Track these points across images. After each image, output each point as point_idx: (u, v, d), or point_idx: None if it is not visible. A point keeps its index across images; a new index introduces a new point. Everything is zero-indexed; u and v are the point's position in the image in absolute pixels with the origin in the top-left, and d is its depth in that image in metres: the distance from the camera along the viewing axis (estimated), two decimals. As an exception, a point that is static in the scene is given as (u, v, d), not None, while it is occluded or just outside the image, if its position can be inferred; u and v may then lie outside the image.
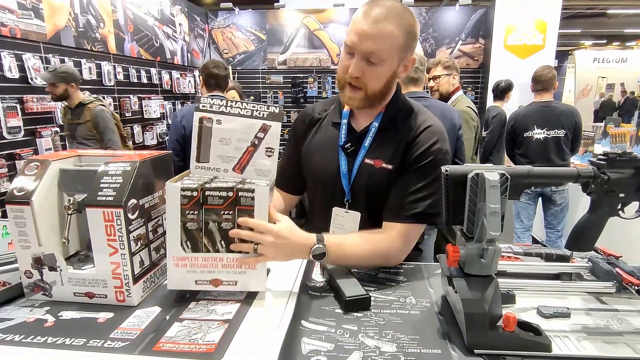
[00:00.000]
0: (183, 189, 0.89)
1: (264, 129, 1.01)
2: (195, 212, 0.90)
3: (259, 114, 1.01)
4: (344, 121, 1.23)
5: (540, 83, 3.29)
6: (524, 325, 0.78)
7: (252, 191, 0.91)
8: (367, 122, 1.22)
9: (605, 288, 0.91)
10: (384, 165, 1.16)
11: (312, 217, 1.25)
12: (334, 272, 1.02)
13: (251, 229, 0.90)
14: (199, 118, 1.00)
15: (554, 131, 3.20)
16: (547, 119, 3.21)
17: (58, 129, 3.45)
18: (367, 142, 1.19)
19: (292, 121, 1.43)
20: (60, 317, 0.87)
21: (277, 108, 1.02)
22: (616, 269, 0.89)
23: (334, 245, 1.01)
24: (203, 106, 1.00)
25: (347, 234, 1.15)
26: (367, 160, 1.18)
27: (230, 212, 0.91)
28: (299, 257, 1.00)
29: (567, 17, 11.75)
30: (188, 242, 0.92)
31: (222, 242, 0.93)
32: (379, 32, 1.04)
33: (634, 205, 0.85)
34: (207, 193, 0.90)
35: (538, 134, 3.20)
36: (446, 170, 0.80)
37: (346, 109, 1.25)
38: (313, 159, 1.26)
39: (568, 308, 0.87)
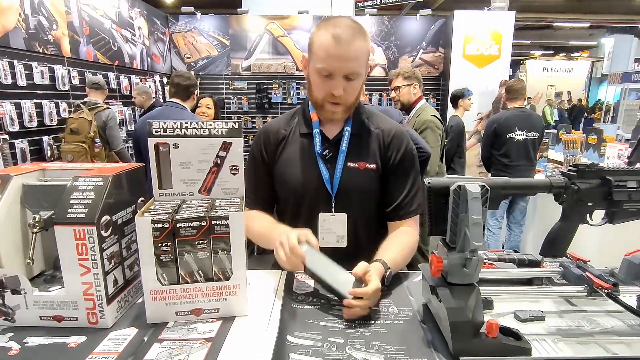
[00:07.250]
0: (154, 222, 0.85)
1: (225, 147, 0.97)
2: (169, 244, 0.86)
3: (218, 131, 0.96)
4: (316, 130, 1.24)
5: (510, 92, 3.65)
6: (505, 331, 0.80)
7: (226, 218, 0.87)
8: (338, 129, 1.25)
9: (577, 292, 0.95)
10: (367, 166, 1.23)
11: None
12: (316, 270, 0.99)
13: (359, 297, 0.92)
14: (154, 145, 0.95)
15: (530, 133, 3.52)
16: (524, 122, 3.52)
17: (7, 137, 3.22)
18: (343, 146, 1.23)
19: (258, 128, 1.38)
20: (26, 344, 0.82)
21: (237, 123, 0.98)
22: (586, 273, 0.94)
23: (393, 263, 1.08)
24: (156, 131, 0.95)
25: (388, 246, 1.15)
26: (350, 164, 1.22)
27: (205, 242, 0.88)
28: None
29: (518, 28, 12.42)
30: (164, 275, 0.87)
31: (200, 271, 0.89)
32: (356, 52, 1.11)
33: (600, 213, 0.91)
34: (178, 225, 0.85)
35: (519, 135, 3.49)
36: (429, 183, 0.82)
37: (315, 119, 1.26)
38: (290, 172, 1.24)
39: (542, 311, 0.91)
